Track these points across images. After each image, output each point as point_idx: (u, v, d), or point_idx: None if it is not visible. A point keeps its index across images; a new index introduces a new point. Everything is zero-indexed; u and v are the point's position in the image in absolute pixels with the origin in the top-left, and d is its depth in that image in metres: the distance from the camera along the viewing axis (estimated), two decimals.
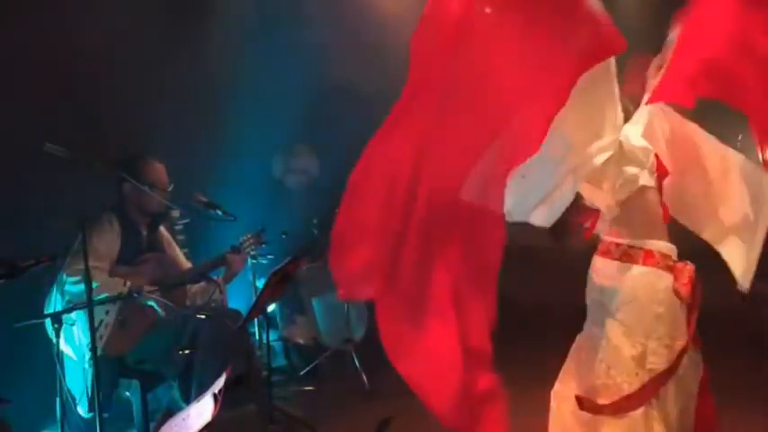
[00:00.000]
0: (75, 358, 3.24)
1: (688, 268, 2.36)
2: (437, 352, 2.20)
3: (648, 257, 2.37)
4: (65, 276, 3.14)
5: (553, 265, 5.77)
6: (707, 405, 2.49)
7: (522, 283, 6.60)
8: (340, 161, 5.26)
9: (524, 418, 3.20)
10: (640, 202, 2.38)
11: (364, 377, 4.28)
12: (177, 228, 3.80)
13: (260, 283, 3.82)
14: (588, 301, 2.55)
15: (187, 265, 3.70)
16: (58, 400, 2.81)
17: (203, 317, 3.26)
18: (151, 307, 3.33)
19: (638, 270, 2.37)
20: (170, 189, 3.49)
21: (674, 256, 2.39)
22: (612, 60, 2.15)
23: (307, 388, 4.29)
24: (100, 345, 3.12)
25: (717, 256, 2.48)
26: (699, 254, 2.49)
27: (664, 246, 2.39)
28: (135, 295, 3.25)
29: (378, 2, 5.31)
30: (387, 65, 5.54)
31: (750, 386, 3.77)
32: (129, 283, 3.26)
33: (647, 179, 2.35)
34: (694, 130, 2.40)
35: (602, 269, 2.48)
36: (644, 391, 2.32)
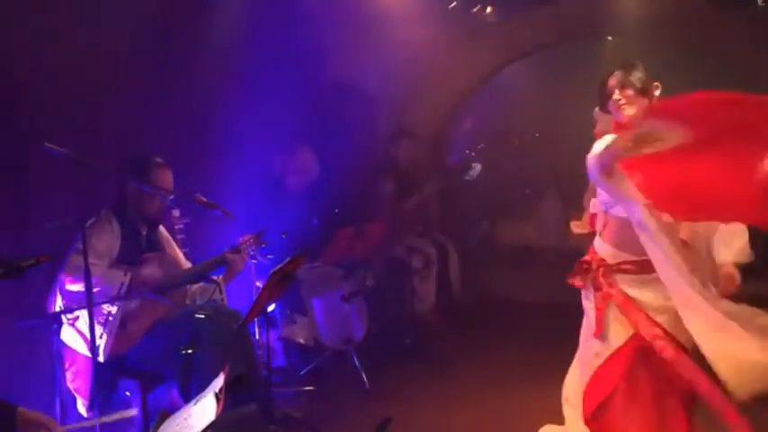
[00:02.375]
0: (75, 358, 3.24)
1: None
2: None
3: None
4: (65, 276, 3.14)
5: (553, 266, 5.78)
6: None
7: (522, 284, 6.62)
8: (340, 161, 5.28)
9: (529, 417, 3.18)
10: None
11: (364, 377, 4.28)
12: (177, 228, 3.79)
13: (260, 283, 3.81)
14: None
15: (187, 264, 3.69)
16: (57, 400, 2.81)
17: (203, 317, 3.26)
18: (151, 306, 3.33)
19: None
20: (172, 197, 3.46)
21: None
22: None
23: (307, 388, 4.29)
24: (100, 345, 3.11)
25: None
26: None
27: None
28: (135, 295, 3.24)
29: (378, 2, 5.30)
30: (387, 65, 5.57)
31: None
32: (129, 275, 3.24)
33: None
34: None
35: None
36: None
